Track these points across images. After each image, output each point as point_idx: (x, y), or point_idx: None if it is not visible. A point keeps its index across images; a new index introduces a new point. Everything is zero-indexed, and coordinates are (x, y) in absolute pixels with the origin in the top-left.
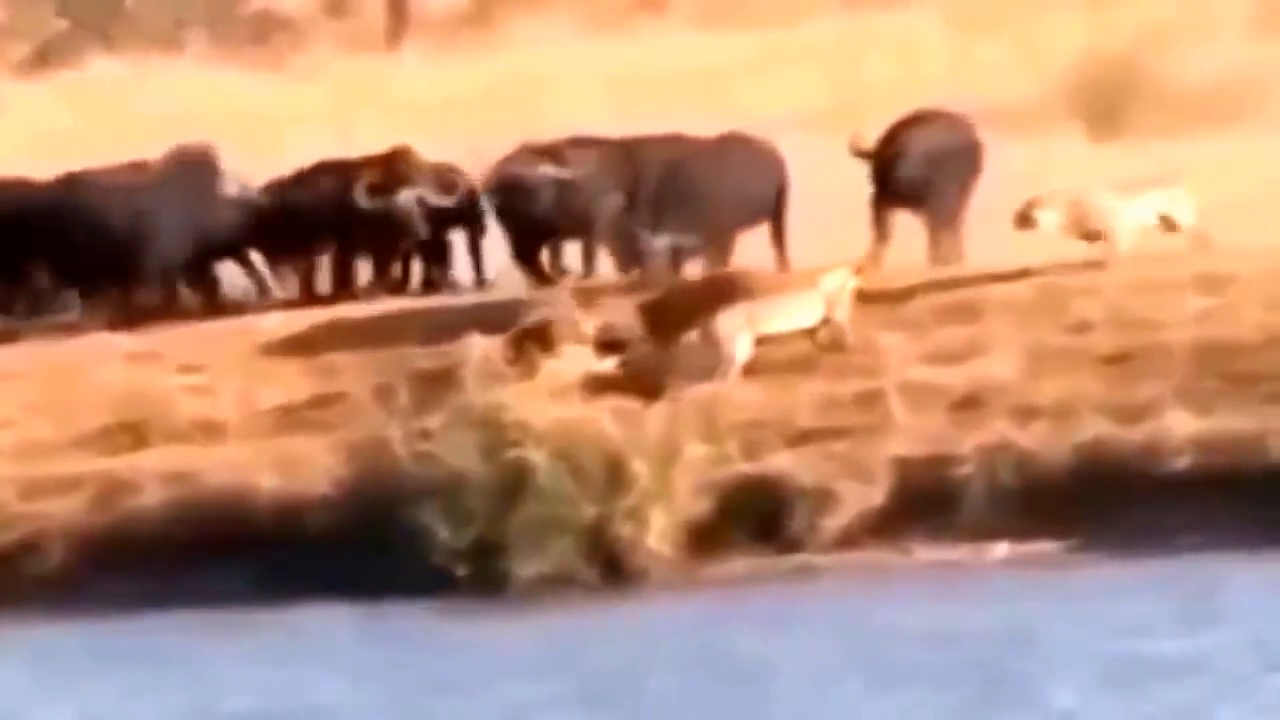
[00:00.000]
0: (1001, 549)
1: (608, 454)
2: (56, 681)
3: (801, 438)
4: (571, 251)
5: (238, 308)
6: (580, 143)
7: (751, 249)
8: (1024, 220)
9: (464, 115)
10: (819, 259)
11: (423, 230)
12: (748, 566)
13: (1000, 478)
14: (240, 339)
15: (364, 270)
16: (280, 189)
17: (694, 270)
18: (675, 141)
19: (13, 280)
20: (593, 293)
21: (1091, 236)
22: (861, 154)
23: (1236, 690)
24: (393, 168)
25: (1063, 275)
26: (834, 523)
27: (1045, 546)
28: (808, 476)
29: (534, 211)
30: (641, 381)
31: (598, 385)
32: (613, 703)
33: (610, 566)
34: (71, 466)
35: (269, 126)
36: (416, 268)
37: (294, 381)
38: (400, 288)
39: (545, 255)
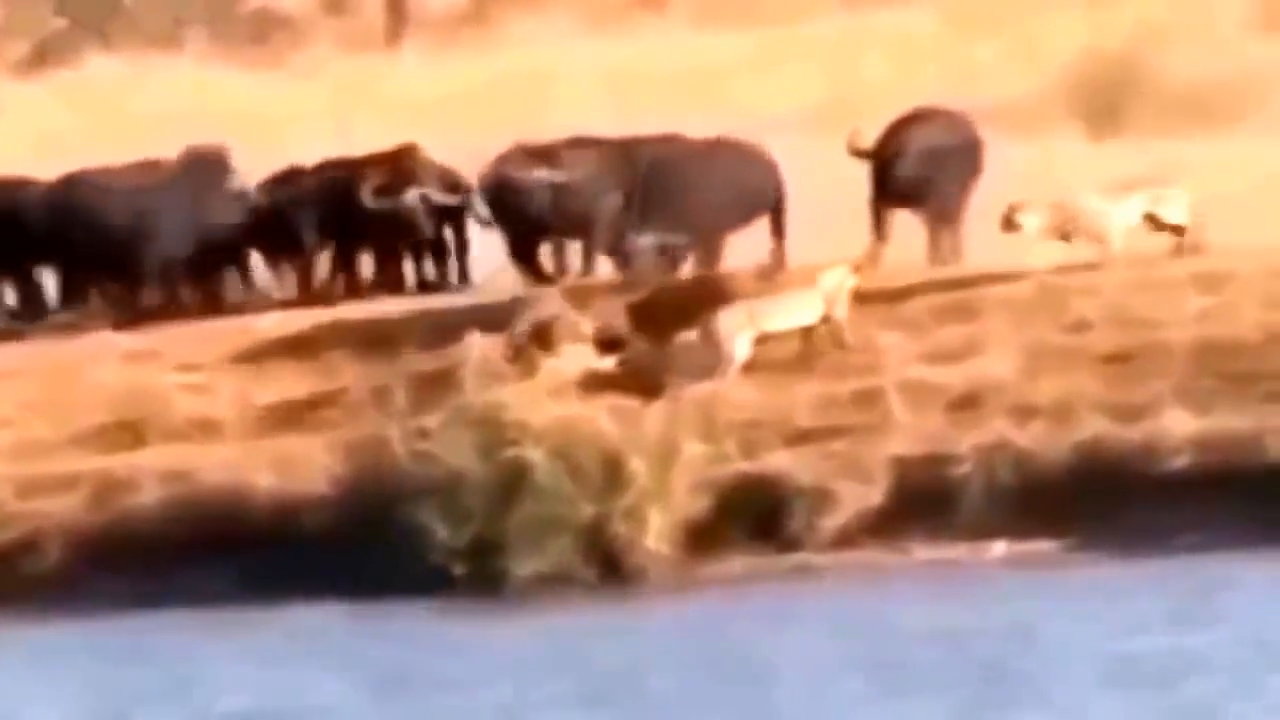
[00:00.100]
0: (1000, 548)
1: (606, 453)
2: (54, 679)
3: (800, 437)
4: (571, 249)
5: (237, 307)
6: (577, 143)
7: (751, 248)
8: (1008, 224)
9: (463, 114)
10: (818, 257)
11: (428, 229)
12: (746, 566)
13: (998, 477)
14: (239, 338)
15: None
16: (282, 188)
17: (686, 270)
18: (665, 142)
19: (20, 281)
20: (586, 292)
21: (1074, 239)
22: (859, 153)
23: (1235, 690)
24: (399, 166)
25: (1061, 275)
26: (832, 522)
27: (1043, 546)
28: (806, 476)
29: (528, 212)
30: (640, 380)
31: (596, 384)
32: (611, 702)
33: (608, 565)
34: (69, 465)
35: (268, 125)
36: (419, 267)
37: (292, 380)
38: (400, 286)
39: (550, 253)
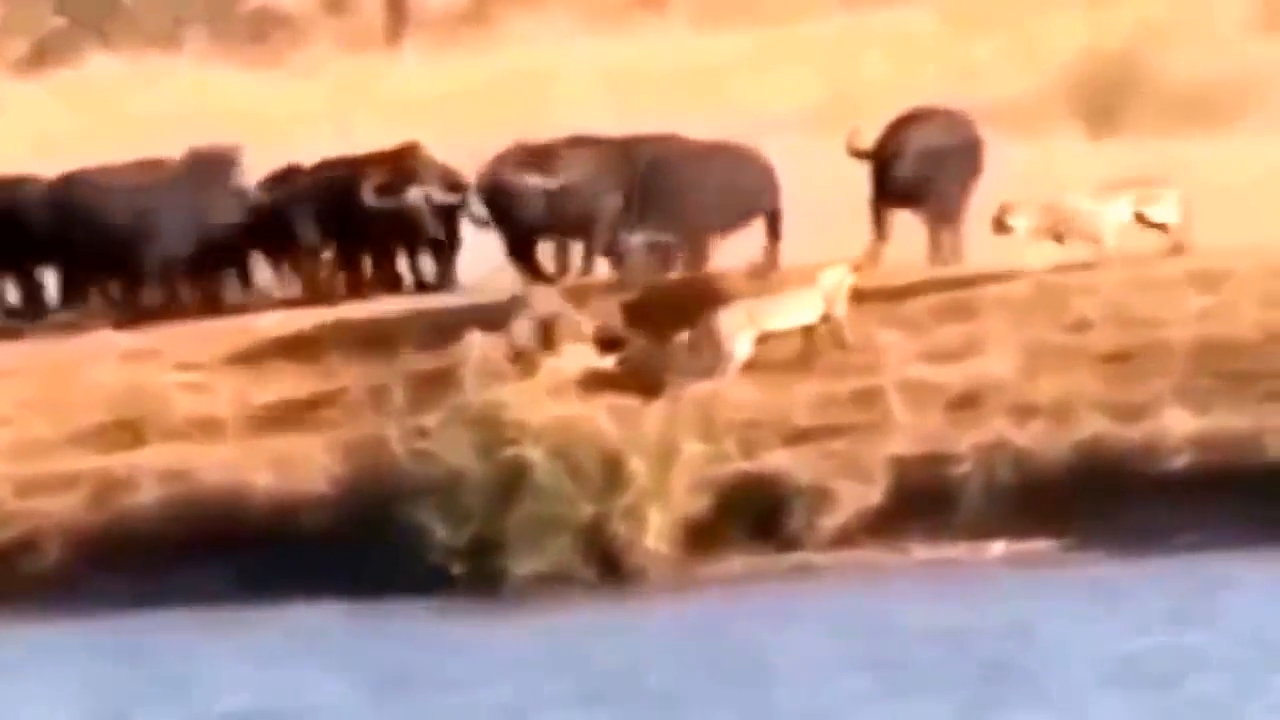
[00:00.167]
0: (999, 547)
1: (605, 452)
2: (53, 678)
3: (799, 436)
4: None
5: (237, 306)
6: (576, 142)
7: (746, 248)
8: (999, 226)
9: (463, 113)
10: (818, 256)
11: (433, 227)
12: (745, 565)
13: (998, 476)
14: (239, 337)
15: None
16: (282, 186)
17: (676, 270)
18: (664, 142)
19: (21, 280)
20: (584, 291)
21: (1063, 239)
22: (858, 153)
23: (1236, 689)
24: (401, 165)
25: (1060, 275)
26: (832, 521)
27: (1043, 545)
28: (805, 475)
29: (525, 214)
30: (640, 380)
31: (596, 383)
32: (611, 701)
33: (608, 565)
34: (68, 464)
35: (268, 124)
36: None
37: (291, 380)
38: (401, 286)
39: (553, 252)
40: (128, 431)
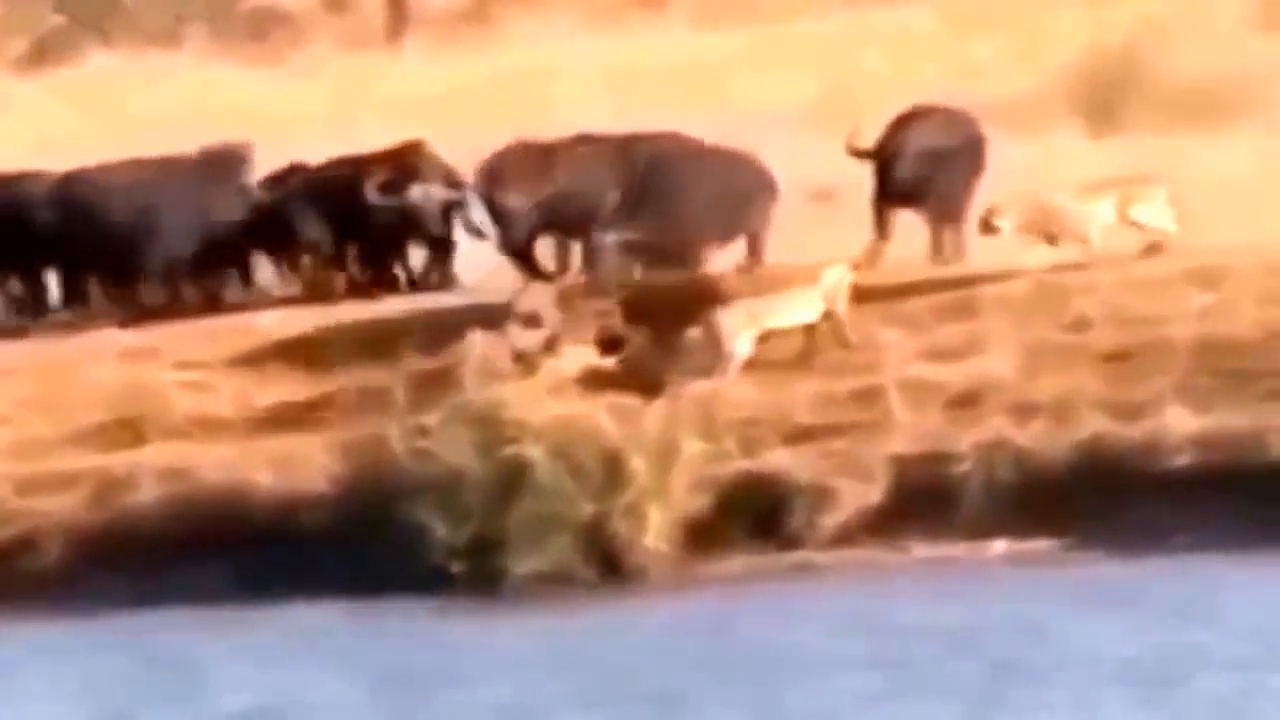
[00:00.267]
0: (1000, 546)
1: (605, 451)
2: (53, 677)
3: (800, 435)
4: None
5: (238, 305)
6: (577, 141)
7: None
8: (986, 227)
9: (464, 111)
10: (818, 255)
11: (436, 226)
12: (746, 564)
13: (998, 475)
14: (239, 336)
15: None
16: (284, 185)
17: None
18: (661, 140)
19: (24, 277)
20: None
21: (1050, 239)
22: (858, 153)
23: (1237, 689)
24: (405, 162)
25: (1060, 274)
26: (832, 520)
27: (1043, 544)
28: (806, 474)
29: (517, 224)
30: (640, 378)
31: (596, 382)
32: (610, 700)
33: (608, 564)
34: (68, 463)
35: (268, 123)
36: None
37: (292, 379)
38: (400, 284)
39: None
40: (128, 430)
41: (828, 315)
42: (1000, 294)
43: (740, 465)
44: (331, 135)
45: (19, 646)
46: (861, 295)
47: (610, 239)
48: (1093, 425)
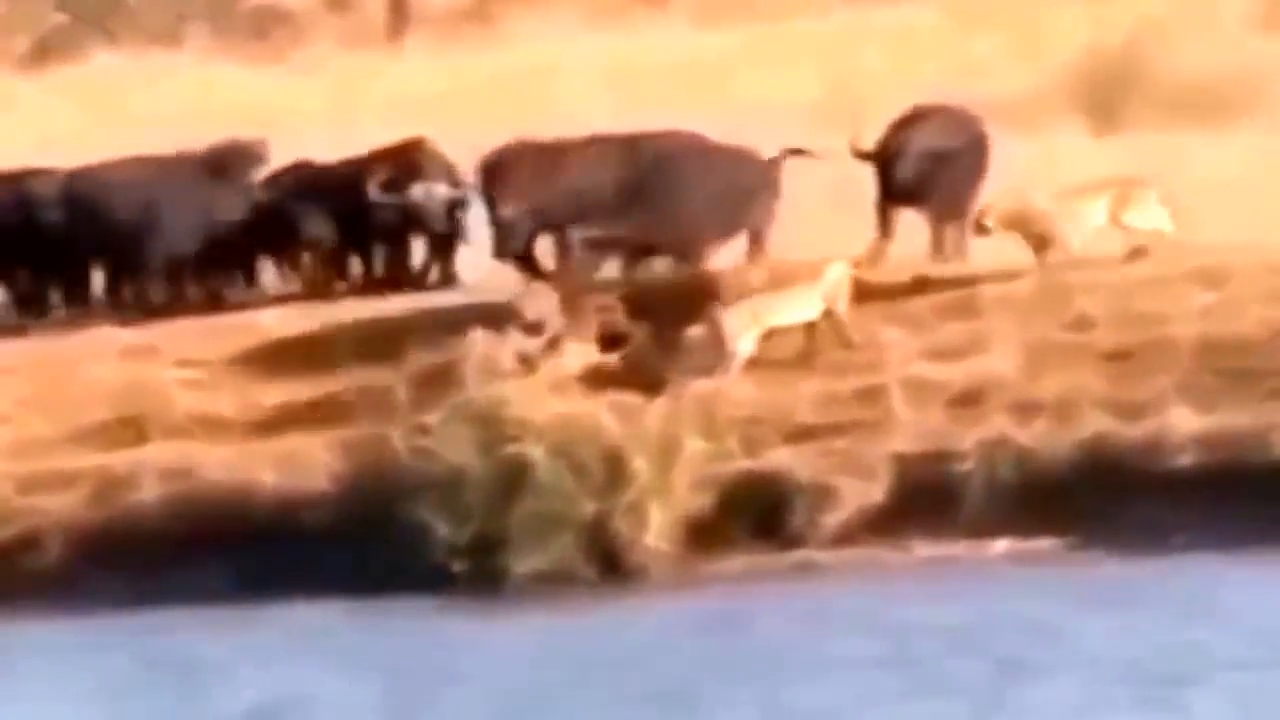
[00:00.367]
0: (1001, 546)
1: (607, 450)
2: (53, 676)
3: (802, 434)
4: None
5: (239, 303)
6: (579, 140)
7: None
8: (979, 229)
9: (465, 110)
10: (818, 253)
11: (438, 223)
12: (747, 563)
13: (1000, 474)
14: (241, 334)
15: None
16: (286, 183)
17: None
18: (665, 139)
19: (28, 276)
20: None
21: (1039, 241)
22: (861, 155)
23: (1239, 688)
24: (407, 160)
25: (1062, 272)
26: (834, 519)
27: (1046, 543)
28: (808, 472)
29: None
30: (642, 377)
31: (598, 380)
32: (612, 699)
33: (609, 563)
34: (69, 461)
35: (269, 121)
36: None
37: (293, 377)
38: (404, 283)
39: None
40: (129, 429)
41: (828, 314)
42: (1002, 293)
43: (742, 464)
44: (333, 134)
45: (20, 645)
46: (863, 294)
47: (579, 234)
48: (1095, 424)
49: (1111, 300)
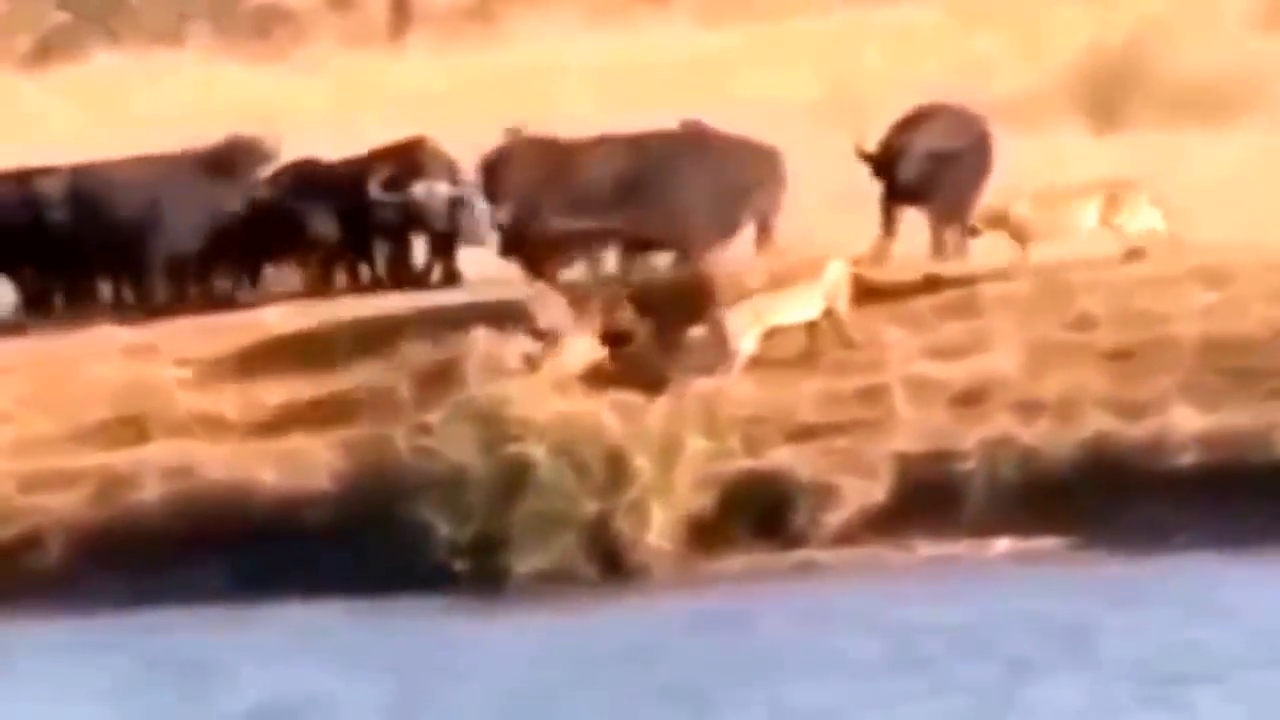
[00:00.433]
0: (1004, 545)
1: (609, 449)
2: (54, 675)
3: (803, 433)
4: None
5: (241, 301)
6: (580, 140)
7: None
8: (972, 230)
9: (466, 109)
10: (819, 252)
11: (441, 221)
12: (749, 562)
13: (1002, 473)
14: (242, 333)
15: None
16: (288, 181)
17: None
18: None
19: (32, 274)
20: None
21: (1024, 240)
22: (866, 157)
23: (1241, 687)
24: (409, 158)
25: (1065, 271)
26: (836, 518)
27: (1048, 542)
28: (809, 471)
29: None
30: (644, 376)
31: (599, 379)
32: (613, 698)
33: (611, 562)
34: (70, 460)
35: (271, 120)
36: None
37: (295, 376)
38: (406, 281)
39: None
40: (130, 428)
41: (828, 313)
42: (1004, 292)
43: (744, 463)
44: (335, 132)
45: (21, 644)
46: (864, 293)
47: (575, 227)
48: (1097, 423)
49: (1113, 299)
